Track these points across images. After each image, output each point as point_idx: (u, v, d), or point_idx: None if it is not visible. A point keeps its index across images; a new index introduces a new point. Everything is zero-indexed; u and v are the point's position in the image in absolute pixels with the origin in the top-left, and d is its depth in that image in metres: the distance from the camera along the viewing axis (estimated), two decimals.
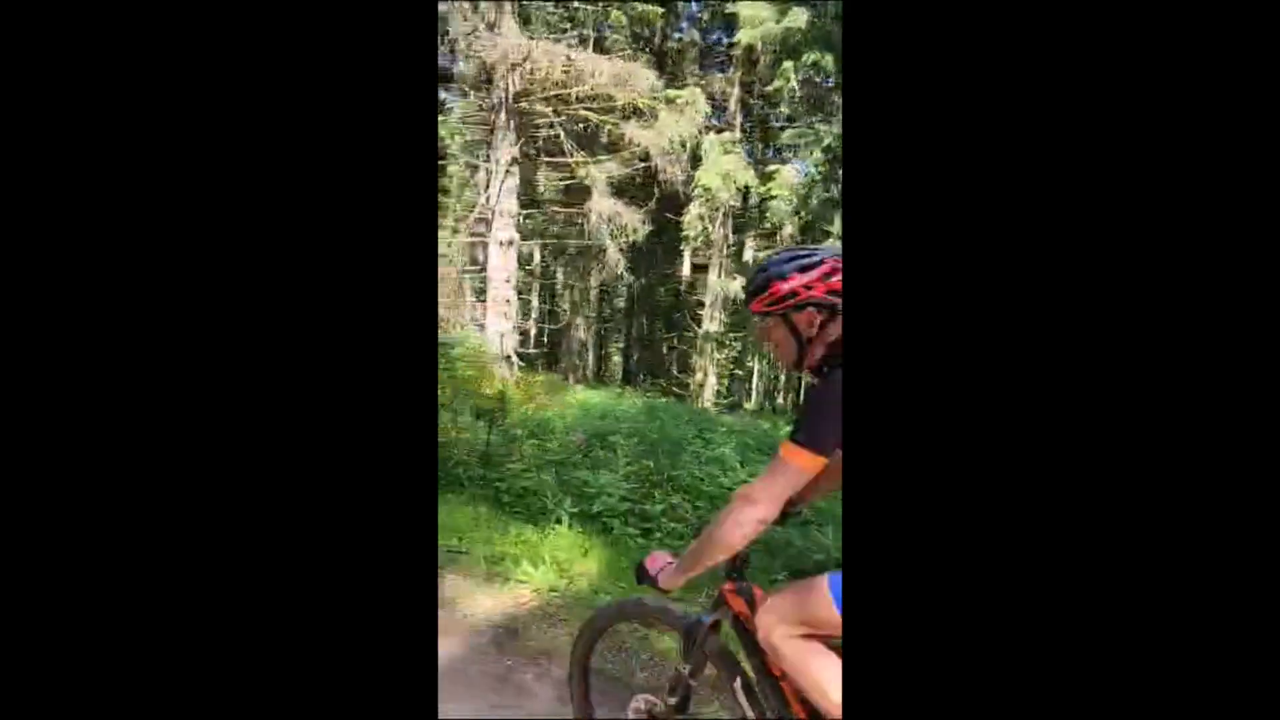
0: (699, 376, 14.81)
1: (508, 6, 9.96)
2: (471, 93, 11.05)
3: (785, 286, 1.39)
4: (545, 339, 18.87)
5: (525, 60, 9.65)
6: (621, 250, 12.56)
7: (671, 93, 11.57)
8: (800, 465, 1.26)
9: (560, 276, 17.77)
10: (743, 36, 12.26)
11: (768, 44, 12.11)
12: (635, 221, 11.39)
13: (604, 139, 12.05)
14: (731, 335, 14.73)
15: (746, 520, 1.30)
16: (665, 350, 19.29)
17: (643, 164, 11.56)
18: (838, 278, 1.37)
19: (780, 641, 1.37)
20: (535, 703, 2.27)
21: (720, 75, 15.52)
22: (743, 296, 2.00)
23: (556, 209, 12.97)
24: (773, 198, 13.21)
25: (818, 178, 12.59)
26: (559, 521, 4.10)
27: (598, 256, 13.49)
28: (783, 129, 13.76)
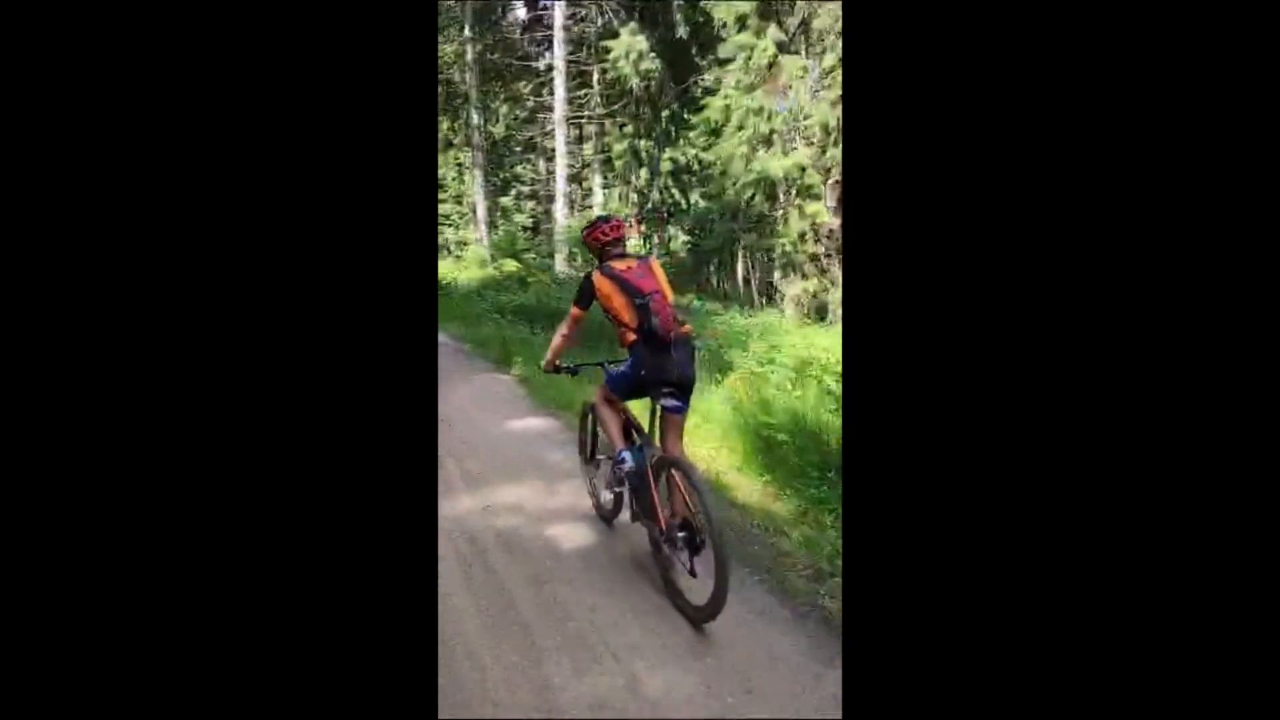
0: None
1: None
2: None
3: (584, 236, 3.19)
4: None
5: None
6: None
7: None
8: (572, 312, 3.06)
9: None
10: None
11: None
12: None
13: None
14: None
15: (557, 335, 3.23)
16: None
17: None
18: (594, 232, 3.07)
19: (595, 401, 3.27)
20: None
21: None
22: None
23: None
24: None
25: None
26: None
27: None
28: None
